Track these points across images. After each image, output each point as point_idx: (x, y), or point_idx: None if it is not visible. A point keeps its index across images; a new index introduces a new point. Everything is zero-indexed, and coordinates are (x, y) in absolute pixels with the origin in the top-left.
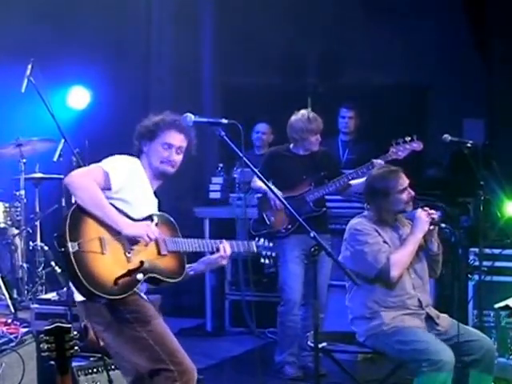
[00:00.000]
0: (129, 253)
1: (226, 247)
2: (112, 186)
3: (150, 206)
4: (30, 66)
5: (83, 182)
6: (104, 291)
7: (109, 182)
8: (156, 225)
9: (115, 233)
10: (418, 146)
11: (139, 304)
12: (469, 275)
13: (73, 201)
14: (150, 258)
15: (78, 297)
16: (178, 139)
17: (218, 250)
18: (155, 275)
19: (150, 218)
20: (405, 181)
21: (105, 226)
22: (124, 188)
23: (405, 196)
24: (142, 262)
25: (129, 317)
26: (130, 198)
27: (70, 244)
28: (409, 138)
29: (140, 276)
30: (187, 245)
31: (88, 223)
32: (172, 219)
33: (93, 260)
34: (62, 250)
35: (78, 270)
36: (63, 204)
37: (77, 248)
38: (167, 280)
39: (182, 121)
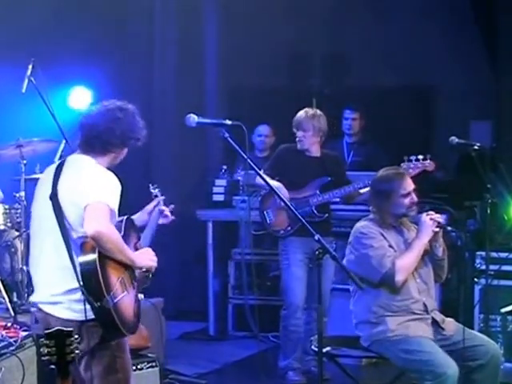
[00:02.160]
0: (135, 280)
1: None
2: (116, 219)
3: None
4: (30, 66)
5: (110, 233)
6: (131, 330)
7: (114, 216)
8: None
9: (127, 267)
10: (430, 165)
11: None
12: (475, 279)
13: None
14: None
15: (67, 314)
16: None
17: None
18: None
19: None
20: (409, 185)
21: (120, 264)
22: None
23: (407, 201)
24: (137, 281)
25: (114, 343)
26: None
27: (108, 298)
28: (421, 157)
29: (141, 296)
30: (148, 238)
31: (110, 268)
32: (130, 218)
33: (123, 304)
34: (99, 304)
35: (118, 322)
36: None
37: (113, 300)
38: (145, 285)
39: (186, 120)
